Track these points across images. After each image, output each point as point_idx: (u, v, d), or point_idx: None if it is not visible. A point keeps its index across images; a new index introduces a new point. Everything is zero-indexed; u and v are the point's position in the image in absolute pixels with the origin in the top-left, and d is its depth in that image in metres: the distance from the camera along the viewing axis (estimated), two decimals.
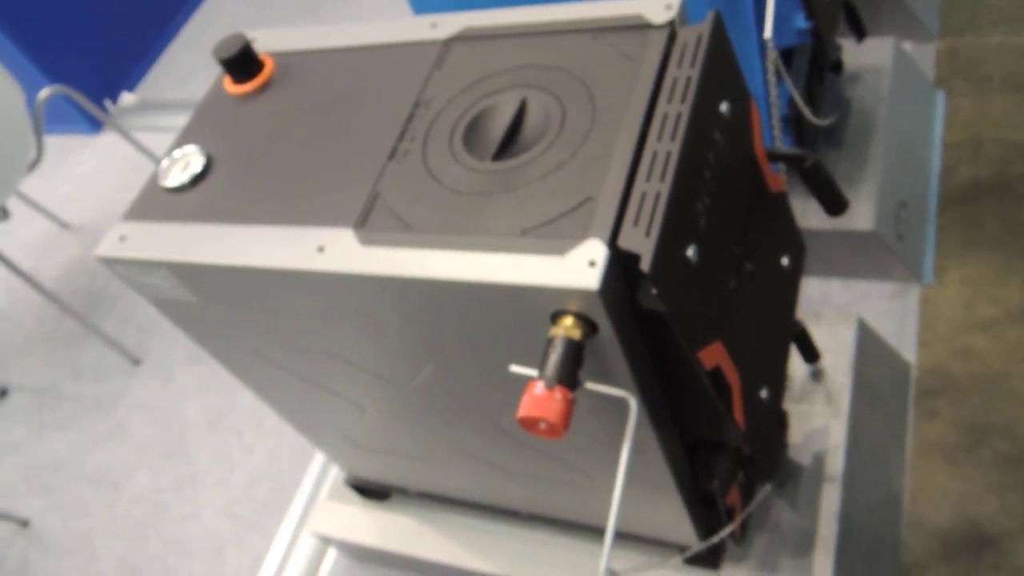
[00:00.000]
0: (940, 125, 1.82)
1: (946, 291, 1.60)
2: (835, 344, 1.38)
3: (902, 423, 1.47)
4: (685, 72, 0.83)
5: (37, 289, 2.03)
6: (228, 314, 1.01)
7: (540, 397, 0.73)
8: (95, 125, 2.92)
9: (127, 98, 2.95)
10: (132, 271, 0.98)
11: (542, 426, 0.74)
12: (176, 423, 2.00)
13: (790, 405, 1.33)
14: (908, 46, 1.90)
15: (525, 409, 0.73)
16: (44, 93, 2.06)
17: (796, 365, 1.36)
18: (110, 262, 0.98)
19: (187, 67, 3.04)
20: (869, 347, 1.42)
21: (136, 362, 2.16)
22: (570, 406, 0.73)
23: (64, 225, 2.62)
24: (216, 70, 1.12)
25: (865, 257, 1.62)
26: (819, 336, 1.35)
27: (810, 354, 1.32)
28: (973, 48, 1.92)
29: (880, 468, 1.40)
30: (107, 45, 2.97)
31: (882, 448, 1.42)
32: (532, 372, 0.75)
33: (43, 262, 2.53)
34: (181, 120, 1.10)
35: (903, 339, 1.56)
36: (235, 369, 1.17)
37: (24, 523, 1.94)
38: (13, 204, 2.18)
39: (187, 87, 2.93)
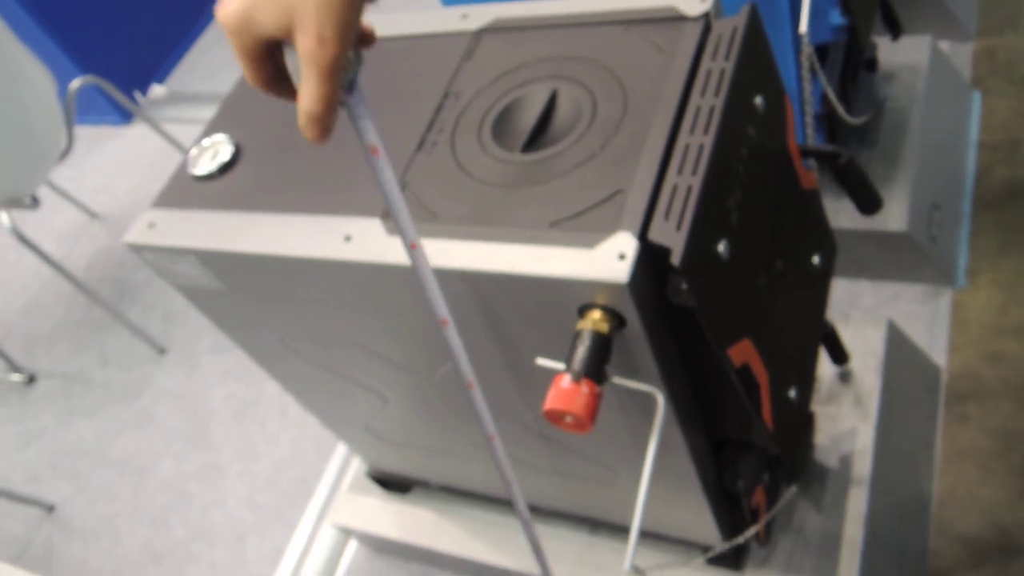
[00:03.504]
0: (976, 126, 1.79)
1: (979, 295, 1.57)
2: (864, 346, 1.36)
3: (932, 427, 1.45)
4: (719, 65, 0.82)
5: (66, 277, 2.05)
6: (254, 302, 1.01)
7: (567, 390, 0.72)
8: (125, 116, 2.94)
9: (157, 90, 2.98)
10: (160, 258, 0.99)
11: (568, 420, 0.73)
12: (201, 412, 2.02)
13: (817, 407, 1.32)
14: (944, 45, 1.87)
15: (551, 402, 0.72)
16: (76, 83, 2.08)
17: (824, 366, 1.34)
18: (139, 249, 0.99)
19: (216, 61, 3.06)
20: (899, 350, 1.40)
21: (162, 351, 2.17)
22: (597, 400, 0.72)
23: (93, 215, 2.65)
24: None
25: (896, 258, 1.59)
26: (848, 337, 1.33)
27: (839, 355, 1.31)
28: (1011, 48, 1.88)
29: (908, 473, 1.38)
30: (138, 37, 3.00)
31: (911, 452, 1.40)
32: (559, 365, 0.75)
33: (72, 251, 2.56)
34: (210, 113, 1.10)
35: (934, 342, 1.54)
36: (260, 358, 1.17)
37: (50, 508, 1.96)
38: (43, 193, 2.20)
39: (216, 81, 2.95)
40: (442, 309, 0.73)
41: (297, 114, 0.54)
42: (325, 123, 0.54)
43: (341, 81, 0.54)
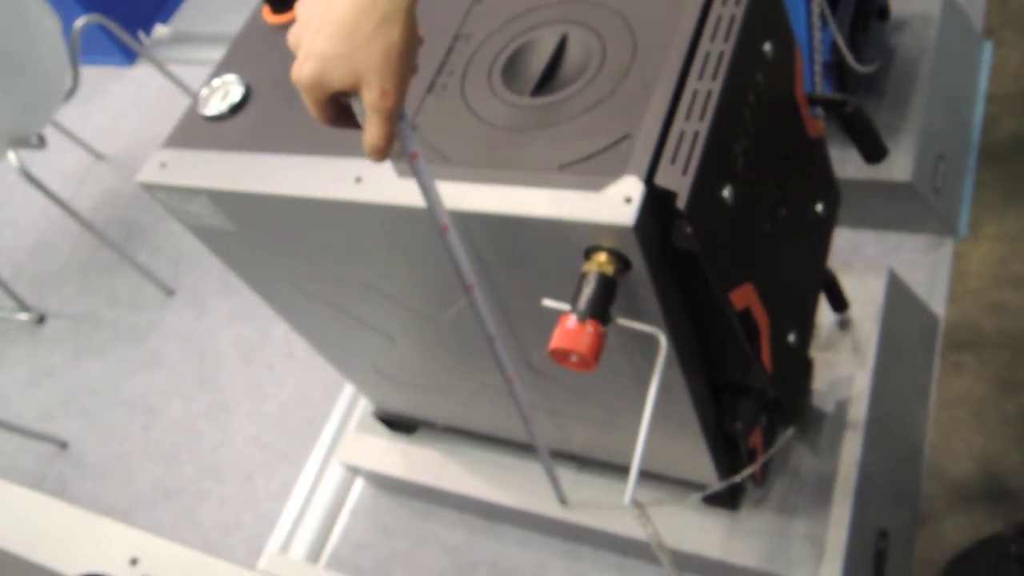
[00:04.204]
0: (986, 77, 1.78)
1: (980, 246, 1.58)
2: (864, 294, 1.38)
3: (928, 375, 1.47)
4: (729, 10, 0.82)
5: (73, 218, 2.06)
6: (265, 243, 1.03)
7: (572, 330, 0.74)
8: (129, 56, 2.92)
9: (160, 30, 2.95)
10: (172, 197, 1.00)
11: (573, 359, 0.75)
12: (209, 353, 2.05)
13: (816, 353, 1.34)
14: None
15: (557, 341, 0.74)
16: (80, 22, 2.07)
17: (824, 314, 1.36)
18: (151, 188, 1.00)
19: (221, 1, 3.02)
20: (898, 299, 1.42)
21: (170, 292, 2.20)
22: (601, 340, 0.75)
23: (99, 156, 2.65)
24: (251, 3, 1.12)
25: (900, 209, 1.60)
26: (849, 286, 1.35)
27: (839, 303, 1.32)
28: None
29: (903, 419, 1.41)
30: None
31: (906, 399, 1.43)
32: (565, 306, 0.77)
33: (78, 192, 2.56)
34: (215, 53, 1.10)
35: (934, 292, 1.56)
36: (269, 299, 1.19)
37: (63, 444, 2.01)
38: (49, 133, 2.20)
39: (221, 21, 2.92)
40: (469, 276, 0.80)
41: (363, 145, 0.66)
42: (387, 152, 0.66)
43: (399, 119, 0.66)
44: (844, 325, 1.36)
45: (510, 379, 0.95)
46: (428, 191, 0.73)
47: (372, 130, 0.64)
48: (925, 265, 1.59)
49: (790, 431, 1.19)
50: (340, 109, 0.67)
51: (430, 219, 0.78)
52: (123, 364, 2.11)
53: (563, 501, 1.29)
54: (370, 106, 0.63)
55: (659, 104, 0.78)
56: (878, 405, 1.29)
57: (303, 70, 0.64)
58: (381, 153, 0.66)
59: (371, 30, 0.62)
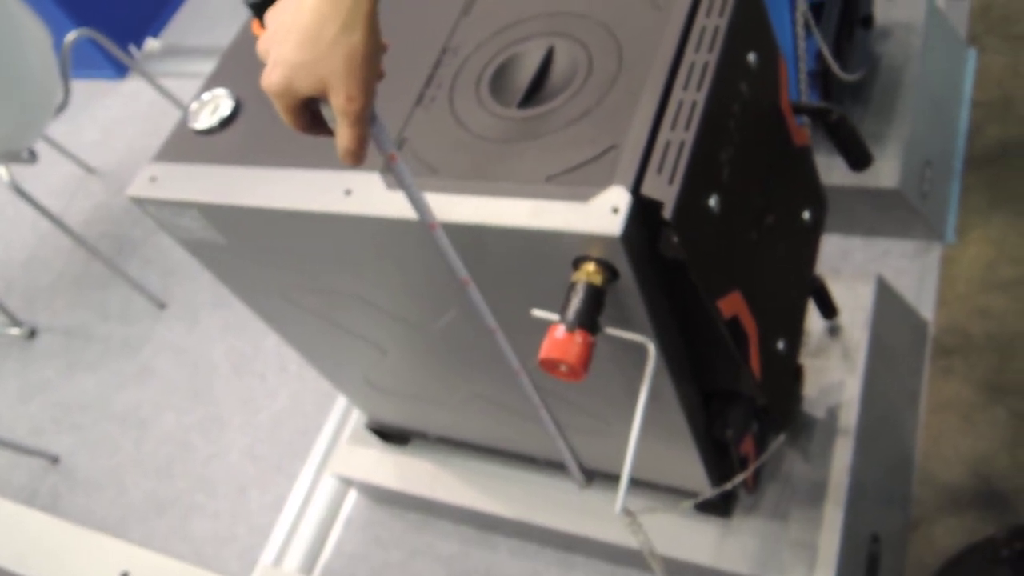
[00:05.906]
0: (970, 83, 1.80)
1: (968, 250, 1.60)
2: (853, 301, 1.38)
3: (917, 380, 1.48)
4: (714, 21, 0.83)
5: (65, 232, 2.06)
6: (255, 255, 1.03)
7: (561, 340, 0.74)
8: (120, 70, 2.92)
9: (151, 44, 2.95)
10: (162, 211, 1.00)
11: (562, 368, 0.76)
12: (202, 366, 2.05)
13: (806, 360, 1.35)
14: (941, 2, 1.87)
15: (546, 351, 0.75)
16: (71, 36, 2.07)
17: (813, 320, 1.37)
18: (141, 202, 1.00)
19: (212, 14, 3.03)
20: (887, 304, 1.43)
21: (162, 306, 2.20)
22: (590, 349, 0.75)
23: (90, 170, 2.65)
24: (242, 17, 1.13)
25: (888, 215, 1.61)
26: (838, 292, 1.36)
27: (828, 310, 1.33)
28: (1007, 5, 1.88)
29: (893, 424, 1.42)
30: None
31: (896, 404, 1.44)
32: (553, 316, 0.77)
33: (69, 206, 2.56)
34: (206, 67, 1.11)
35: (922, 297, 1.57)
36: (261, 312, 1.19)
37: (54, 459, 2.00)
38: (40, 148, 2.20)
39: (212, 34, 2.92)
40: (461, 271, 0.80)
41: (336, 149, 0.67)
42: (360, 156, 0.67)
43: (368, 122, 0.66)
44: (834, 331, 1.37)
45: (517, 369, 0.96)
46: (409, 191, 0.73)
47: (343, 134, 0.66)
48: (913, 271, 1.61)
49: (781, 438, 1.19)
50: (312, 116, 0.69)
51: (419, 230, 0.78)
52: (115, 377, 2.11)
53: (582, 484, 1.30)
54: (338, 111, 0.65)
55: (645, 115, 0.79)
56: (868, 411, 1.30)
57: (271, 78, 0.66)
58: (354, 156, 0.67)
59: (333, 37, 0.63)
